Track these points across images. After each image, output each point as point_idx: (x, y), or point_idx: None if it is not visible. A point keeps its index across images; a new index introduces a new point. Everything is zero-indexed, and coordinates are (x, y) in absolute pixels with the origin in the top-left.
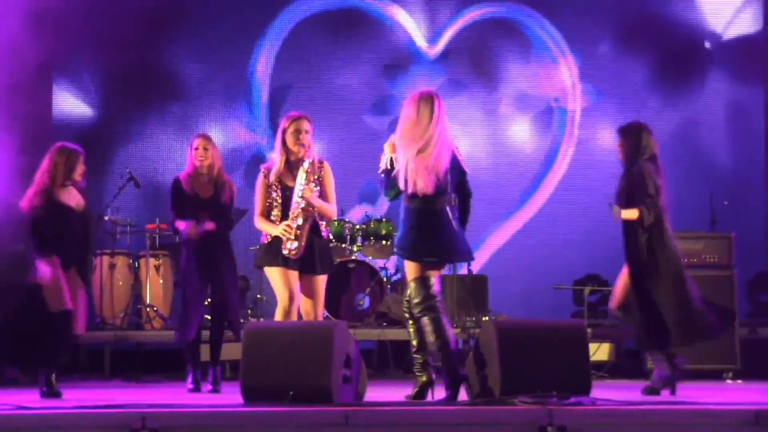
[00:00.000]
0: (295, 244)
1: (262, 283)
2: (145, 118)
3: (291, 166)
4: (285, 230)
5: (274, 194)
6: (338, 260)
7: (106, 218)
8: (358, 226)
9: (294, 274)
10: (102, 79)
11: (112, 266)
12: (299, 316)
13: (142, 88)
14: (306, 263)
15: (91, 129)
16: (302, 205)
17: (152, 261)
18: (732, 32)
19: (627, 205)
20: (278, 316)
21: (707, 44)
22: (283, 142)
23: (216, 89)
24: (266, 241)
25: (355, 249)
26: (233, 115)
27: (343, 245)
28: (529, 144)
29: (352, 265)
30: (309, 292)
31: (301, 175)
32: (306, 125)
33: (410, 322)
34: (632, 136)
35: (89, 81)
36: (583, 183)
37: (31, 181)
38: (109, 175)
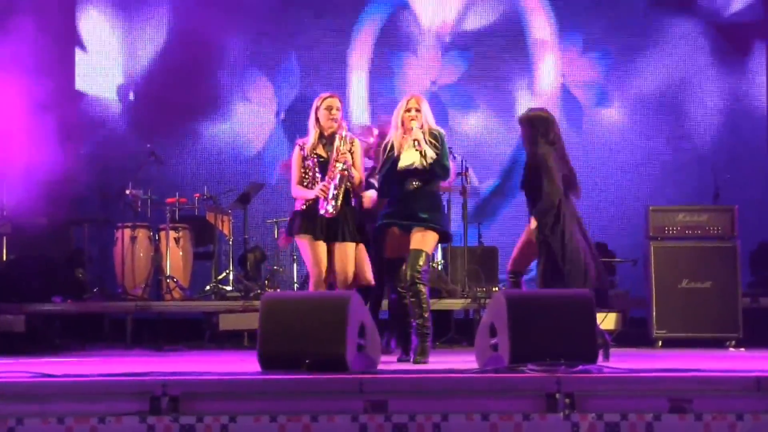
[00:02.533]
0: (332, 203)
1: (278, 255)
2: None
3: (324, 140)
4: (322, 189)
5: (309, 163)
6: None
7: (128, 192)
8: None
9: (321, 246)
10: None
11: (133, 239)
12: (331, 285)
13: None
14: (332, 231)
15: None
16: (340, 167)
17: (172, 234)
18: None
19: (529, 193)
20: (312, 286)
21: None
22: (317, 119)
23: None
24: (301, 208)
25: None
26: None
27: None
28: None
29: None
30: (339, 259)
31: (337, 142)
32: (337, 103)
33: (416, 289)
34: (529, 124)
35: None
36: (596, 155)
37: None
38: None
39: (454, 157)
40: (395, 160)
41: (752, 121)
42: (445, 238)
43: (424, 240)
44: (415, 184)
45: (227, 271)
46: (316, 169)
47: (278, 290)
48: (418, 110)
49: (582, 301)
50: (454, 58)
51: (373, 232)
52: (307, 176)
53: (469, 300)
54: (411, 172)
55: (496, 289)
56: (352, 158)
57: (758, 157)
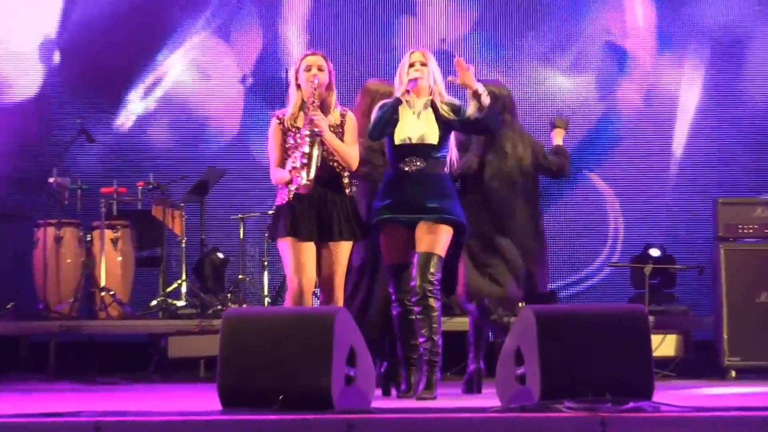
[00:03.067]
0: (303, 174)
1: (244, 260)
2: None
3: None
4: (293, 163)
5: (291, 140)
6: None
7: (51, 180)
8: None
9: (307, 247)
10: None
11: (57, 239)
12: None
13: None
14: (323, 227)
15: None
16: (307, 132)
17: (108, 233)
18: None
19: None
20: (287, 301)
21: None
22: (297, 84)
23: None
24: (284, 201)
25: None
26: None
27: None
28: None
29: None
30: (326, 262)
31: (314, 111)
32: (319, 60)
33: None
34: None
35: None
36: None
37: None
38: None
39: None
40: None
41: None
42: (461, 232)
43: (435, 238)
44: (418, 163)
45: (179, 282)
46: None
47: (244, 306)
48: (423, 64)
49: (633, 319)
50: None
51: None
52: (290, 156)
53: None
54: (412, 148)
55: (522, 304)
56: (343, 134)
57: None
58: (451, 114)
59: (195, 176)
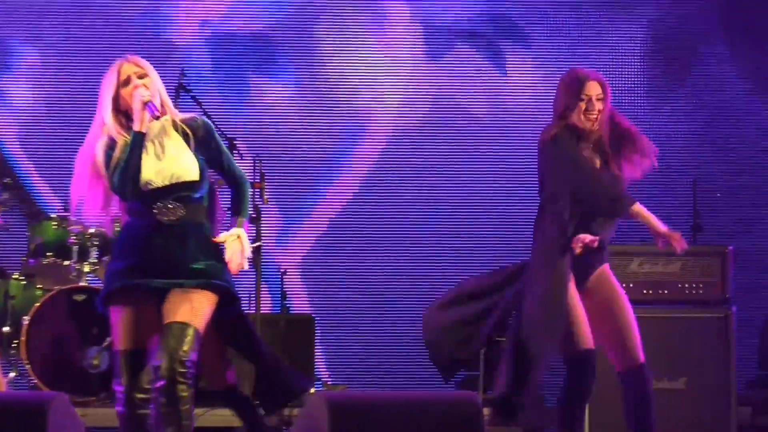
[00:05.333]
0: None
1: None
2: None
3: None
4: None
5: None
6: (58, 288)
7: None
8: (92, 231)
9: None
10: None
11: None
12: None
13: None
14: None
15: None
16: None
17: None
18: None
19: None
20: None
21: None
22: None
23: None
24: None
25: (86, 269)
26: None
27: (67, 262)
28: None
29: (81, 297)
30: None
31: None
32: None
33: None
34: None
35: None
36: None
37: None
38: None
39: (239, 154)
40: (125, 169)
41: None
42: (230, 300)
43: (193, 307)
44: (172, 210)
45: None
46: None
47: None
48: (143, 76)
49: (461, 411)
50: None
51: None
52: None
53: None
54: (163, 190)
55: (312, 391)
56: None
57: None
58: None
59: None
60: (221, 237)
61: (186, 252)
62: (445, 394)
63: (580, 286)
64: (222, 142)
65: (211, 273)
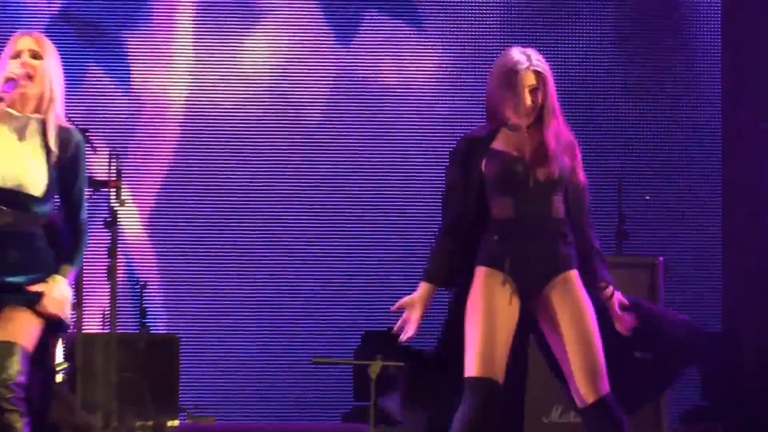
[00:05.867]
0: None
1: None
2: None
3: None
4: None
5: None
6: None
7: None
8: None
9: None
10: None
11: None
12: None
13: None
14: None
15: None
16: None
17: None
18: None
19: None
20: None
21: None
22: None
23: None
24: None
25: None
26: None
27: None
28: None
29: None
30: None
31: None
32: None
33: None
34: None
35: None
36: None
37: None
38: None
39: (93, 148)
40: None
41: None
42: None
43: (19, 325)
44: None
45: None
46: None
47: None
48: (37, 56)
49: None
50: None
51: None
52: None
53: None
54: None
55: (176, 423)
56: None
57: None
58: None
59: None
60: (38, 287)
61: (3, 262)
62: (331, 426)
63: (528, 296)
64: (84, 175)
65: (30, 293)
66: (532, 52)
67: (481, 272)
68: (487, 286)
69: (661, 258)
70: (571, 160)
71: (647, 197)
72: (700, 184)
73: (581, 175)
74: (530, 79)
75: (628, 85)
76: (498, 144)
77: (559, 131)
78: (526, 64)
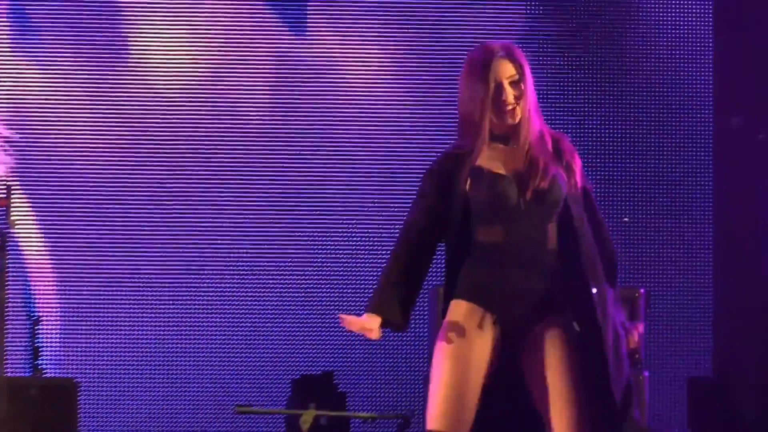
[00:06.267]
0: None
1: None
2: None
3: None
4: None
5: None
6: None
7: None
8: None
9: None
10: None
11: None
12: None
13: None
14: None
15: None
16: None
17: None
18: None
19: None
20: None
21: None
22: None
23: None
24: None
25: None
26: None
27: None
28: None
29: None
30: None
31: None
32: None
33: None
34: None
35: None
36: None
37: None
38: None
39: None
40: None
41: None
42: None
43: None
44: None
45: None
46: None
47: None
48: None
49: None
50: None
51: None
52: None
53: None
54: None
55: None
56: None
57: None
58: None
59: None
60: None
61: None
62: None
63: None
64: None
65: None
66: (505, 42)
67: (459, 307)
68: (463, 325)
69: (642, 290)
70: (568, 171)
71: (625, 219)
72: (690, 214)
73: (582, 183)
74: (508, 70)
75: (617, 95)
76: (482, 160)
77: (545, 136)
78: (501, 52)
